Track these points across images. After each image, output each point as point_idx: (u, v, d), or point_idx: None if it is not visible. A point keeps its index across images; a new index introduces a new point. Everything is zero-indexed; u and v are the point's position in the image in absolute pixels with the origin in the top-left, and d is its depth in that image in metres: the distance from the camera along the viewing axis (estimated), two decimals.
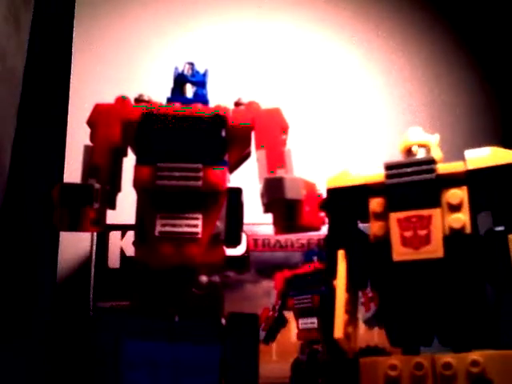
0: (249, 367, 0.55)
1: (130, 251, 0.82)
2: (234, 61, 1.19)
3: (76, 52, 1.10)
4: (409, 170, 0.52)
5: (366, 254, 0.54)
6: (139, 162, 0.56)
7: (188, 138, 0.57)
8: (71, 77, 1.08)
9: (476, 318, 0.50)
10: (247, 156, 0.63)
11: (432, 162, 0.52)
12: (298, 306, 0.79)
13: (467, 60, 1.28)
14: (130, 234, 0.83)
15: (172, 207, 0.55)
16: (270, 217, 0.59)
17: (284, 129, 0.60)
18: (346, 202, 0.56)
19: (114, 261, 0.82)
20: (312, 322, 0.77)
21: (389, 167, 0.53)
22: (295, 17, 1.25)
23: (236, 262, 0.60)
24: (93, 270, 0.82)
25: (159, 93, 0.63)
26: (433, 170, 0.52)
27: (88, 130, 0.60)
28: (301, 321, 0.78)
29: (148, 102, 0.61)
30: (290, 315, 0.80)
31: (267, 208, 0.56)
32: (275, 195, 0.55)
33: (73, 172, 0.86)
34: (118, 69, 1.12)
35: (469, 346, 0.49)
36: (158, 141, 0.57)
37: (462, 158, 0.52)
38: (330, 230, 0.57)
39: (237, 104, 0.62)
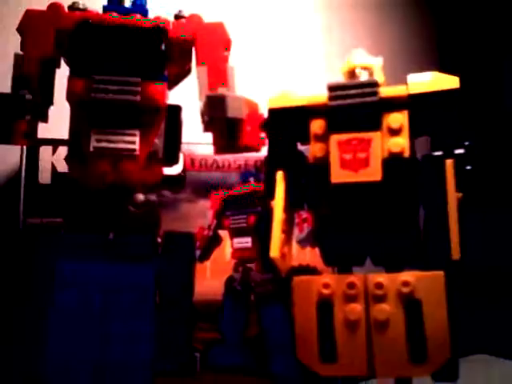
0: (184, 284, 0.55)
1: (62, 167, 0.79)
2: None
3: None
4: (352, 92, 0.52)
5: (305, 176, 0.54)
6: (73, 74, 0.54)
7: (126, 50, 0.54)
8: None
9: (408, 239, 0.51)
10: (187, 72, 0.61)
11: (375, 84, 0.52)
12: (233, 226, 0.79)
13: None
14: (62, 150, 0.80)
15: (108, 122, 0.53)
16: (208, 137, 0.58)
17: (227, 44, 0.58)
18: (286, 123, 0.55)
19: (45, 176, 0.80)
20: (246, 242, 0.78)
21: (332, 88, 0.52)
22: None
23: (172, 181, 0.59)
24: (22, 185, 0.79)
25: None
26: (376, 93, 0.51)
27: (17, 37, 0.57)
28: (235, 240, 0.79)
29: (83, 10, 0.58)
30: (224, 234, 0.80)
31: (207, 126, 0.55)
32: (217, 113, 0.53)
33: None
34: None
35: (400, 266, 0.50)
36: (94, 52, 0.54)
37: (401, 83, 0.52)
38: (269, 150, 0.56)
39: (177, 17, 0.60)
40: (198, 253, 0.79)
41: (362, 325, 0.50)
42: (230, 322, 0.76)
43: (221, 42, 0.58)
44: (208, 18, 0.59)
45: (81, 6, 0.58)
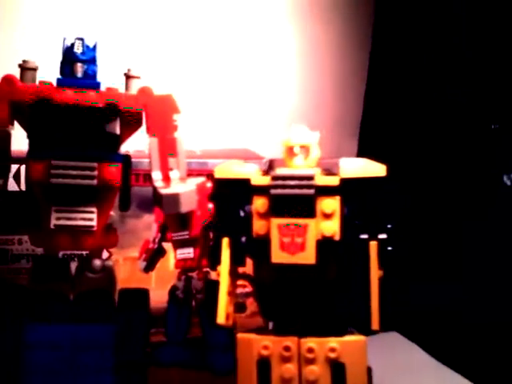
0: (139, 340, 0.62)
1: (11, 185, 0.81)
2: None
3: None
4: (292, 183, 0.57)
5: (247, 249, 0.60)
6: (32, 157, 0.57)
7: (82, 132, 0.57)
8: None
9: (337, 309, 0.59)
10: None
11: (311, 178, 0.57)
12: (175, 238, 0.85)
13: None
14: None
15: (67, 201, 0.57)
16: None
17: (176, 115, 0.62)
18: (231, 193, 0.61)
19: None
20: (188, 252, 0.84)
21: (274, 178, 0.58)
22: None
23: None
24: None
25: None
26: (312, 186, 0.57)
27: None
28: (178, 251, 0.84)
29: (34, 69, 0.60)
30: (168, 246, 0.86)
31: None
32: (171, 210, 0.58)
33: None
34: None
35: (327, 333, 0.59)
36: (51, 133, 0.57)
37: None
38: (216, 218, 0.62)
39: (127, 76, 0.62)
40: (143, 264, 0.84)
41: (294, 382, 0.59)
42: (174, 326, 0.83)
43: (170, 113, 0.61)
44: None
45: (31, 65, 0.60)
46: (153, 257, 0.85)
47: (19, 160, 0.80)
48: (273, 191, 0.58)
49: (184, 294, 0.83)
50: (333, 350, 0.58)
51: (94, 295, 0.61)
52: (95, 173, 0.57)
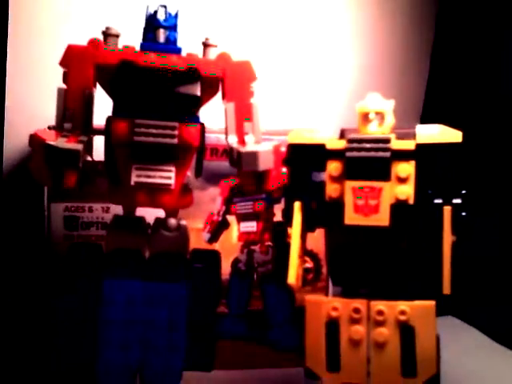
0: (210, 300, 0.63)
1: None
2: None
3: None
4: (367, 145, 0.58)
5: (320, 212, 0.61)
6: (116, 115, 0.59)
7: (164, 93, 0.59)
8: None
9: (408, 272, 0.60)
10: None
11: (388, 141, 0.58)
12: (239, 212, 0.86)
13: None
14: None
15: (147, 159, 0.59)
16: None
17: (253, 81, 0.63)
18: (305, 159, 0.62)
19: None
20: (251, 226, 0.86)
21: (350, 141, 0.59)
22: None
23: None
24: None
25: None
26: (388, 149, 0.58)
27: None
28: (242, 224, 0.86)
29: (117, 36, 0.62)
30: (232, 219, 0.87)
31: (238, 173, 0.62)
32: (250, 168, 0.60)
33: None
34: None
35: (398, 296, 0.59)
36: (135, 94, 0.59)
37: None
38: (289, 182, 0.63)
39: (205, 45, 0.64)
40: (207, 236, 0.86)
41: (363, 344, 0.59)
42: (236, 298, 0.85)
43: (248, 80, 0.63)
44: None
45: (113, 32, 0.62)
46: (217, 229, 0.87)
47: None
48: (348, 154, 0.59)
49: (246, 266, 0.84)
50: (403, 312, 0.58)
51: (168, 255, 0.62)
52: (176, 132, 0.58)
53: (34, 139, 0.57)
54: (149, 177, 0.59)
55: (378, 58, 1.16)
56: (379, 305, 0.59)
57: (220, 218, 0.87)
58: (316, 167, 0.62)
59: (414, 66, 1.17)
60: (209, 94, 0.63)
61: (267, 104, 0.67)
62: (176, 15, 0.63)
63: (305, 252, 0.78)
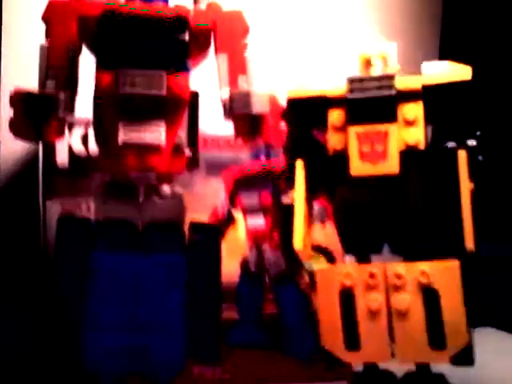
0: (211, 275, 0.58)
1: (78, 148, 0.81)
2: None
3: None
4: (370, 84, 0.54)
5: (324, 165, 0.56)
6: (100, 67, 0.55)
7: (150, 42, 0.56)
8: None
9: (425, 229, 0.54)
10: (205, 57, 0.63)
11: (392, 77, 0.54)
12: (246, 205, 0.81)
13: None
14: (77, 131, 0.81)
15: (135, 115, 0.55)
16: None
17: (245, 33, 0.60)
18: (305, 113, 0.58)
19: (62, 158, 0.81)
20: (259, 221, 0.80)
21: (351, 81, 0.54)
22: None
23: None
24: (41, 167, 0.81)
25: None
26: (392, 86, 0.53)
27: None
28: (249, 219, 0.81)
29: None
30: (238, 214, 0.82)
31: (230, 119, 0.57)
32: (242, 110, 0.55)
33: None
34: None
35: (417, 254, 0.53)
36: (119, 43, 0.55)
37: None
38: (289, 140, 0.58)
39: (195, 1, 0.61)
40: None
41: (383, 313, 0.53)
42: (247, 302, 0.79)
43: (240, 31, 0.59)
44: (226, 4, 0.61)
45: None
46: (222, 225, 0.82)
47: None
48: (350, 95, 0.54)
49: (256, 267, 0.78)
50: (424, 273, 0.52)
51: (163, 225, 0.57)
52: (164, 81, 0.54)
53: (14, 95, 0.54)
54: (137, 134, 0.55)
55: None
56: (396, 267, 0.53)
57: (225, 213, 0.82)
58: (317, 122, 0.57)
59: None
60: (199, 48, 0.60)
61: (265, 60, 0.64)
62: None
63: (317, 248, 0.73)
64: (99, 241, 0.56)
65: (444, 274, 0.52)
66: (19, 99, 0.54)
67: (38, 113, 0.53)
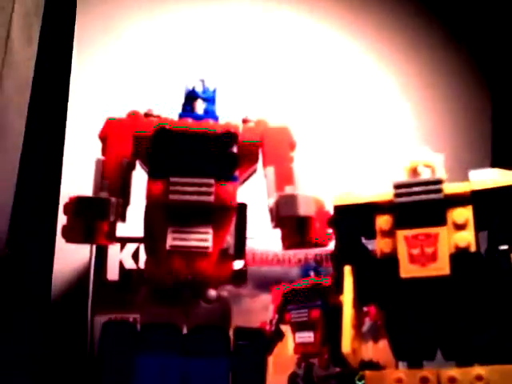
0: (256, 381, 0.56)
1: (129, 264, 0.82)
2: (241, 71, 1.20)
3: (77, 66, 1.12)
4: (417, 189, 0.54)
5: (373, 270, 0.55)
6: (152, 177, 0.57)
7: (200, 154, 0.58)
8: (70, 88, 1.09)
9: (479, 332, 0.51)
10: (254, 172, 0.65)
11: (439, 182, 0.54)
12: (294, 320, 0.80)
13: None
14: (130, 247, 0.83)
15: (183, 221, 0.56)
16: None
17: (292, 146, 0.61)
18: (352, 220, 0.57)
19: (112, 273, 0.83)
20: (308, 336, 0.79)
21: (397, 186, 0.55)
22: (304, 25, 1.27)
23: (235, 276, 0.61)
24: (91, 282, 0.82)
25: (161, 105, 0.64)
26: (440, 190, 0.53)
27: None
28: (297, 334, 0.79)
29: (158, 117, 0.62)
30: (286, 329, 0.81)
31: (277, 224, 0.58)
32: (288, 212, 0.56)
33: (70, 182, 0.87)
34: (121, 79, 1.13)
35: (472, 359, 0.51)
36: (171, 156, 0.58)
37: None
38: (336, 246, 0.58)
39: (244, 121, 0.63)
40: None
41: None
42: None
43: (286, 144, 0.61)
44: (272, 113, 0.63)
45: (155, 113, 0.63)
46: (270, 340, 0.80)
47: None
48: (397, 200, 0.54)
49: (305, 382, 0.76)
50: (479, 378, 0.49)
51: (208, 329, 0.57)
52: (212, 189, 0.56)
53: (68, 202, 0.56)
54: (185, 240, 0.56)
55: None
56: (450, 371, 0.50)
57: (273, 328, 0.80)
58: (365, 227, 0.57)
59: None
60: (248, 162, 0.61)
61: (315, 170, 0.65)
62: (214, 90, 0.63)
63: (369, 364, 0.70)
64: (144, 344, 0.56)
65: (501, 377, 0.49)
66: (72, 204, 0.56)
67: (89, 214, 0.55)
